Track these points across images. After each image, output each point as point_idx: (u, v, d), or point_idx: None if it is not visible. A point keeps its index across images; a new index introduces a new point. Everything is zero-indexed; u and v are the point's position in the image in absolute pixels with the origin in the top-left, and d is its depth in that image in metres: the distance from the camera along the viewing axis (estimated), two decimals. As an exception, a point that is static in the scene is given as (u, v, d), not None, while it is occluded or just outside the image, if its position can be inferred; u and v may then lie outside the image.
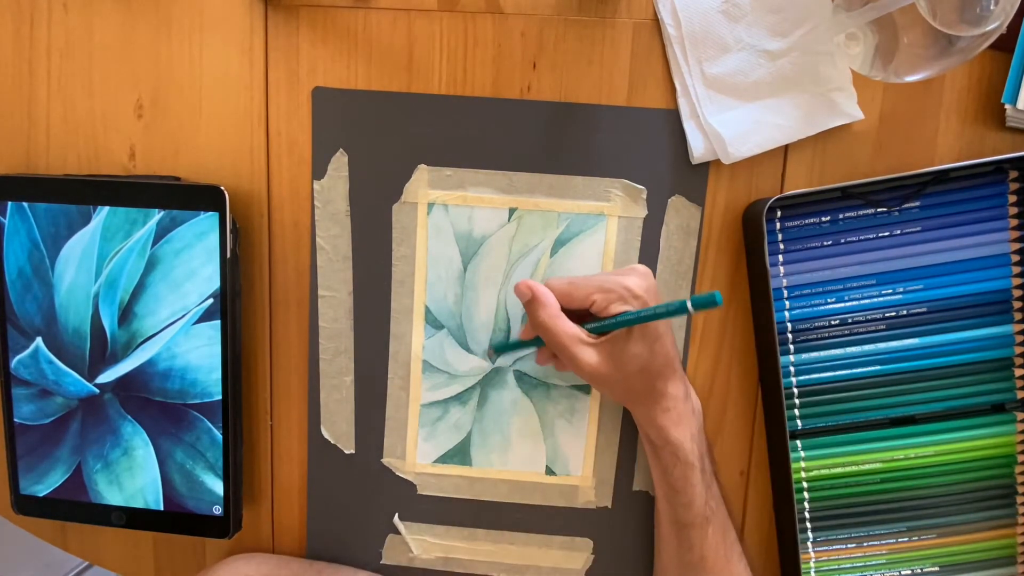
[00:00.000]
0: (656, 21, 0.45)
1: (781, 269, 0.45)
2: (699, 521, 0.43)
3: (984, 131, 0.45)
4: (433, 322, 0.48)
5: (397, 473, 0.50)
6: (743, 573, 0.44)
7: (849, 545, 0.47)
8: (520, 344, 0.47)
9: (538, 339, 0.45)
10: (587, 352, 0.42)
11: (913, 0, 0.36)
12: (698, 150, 0.45)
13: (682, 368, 0.45)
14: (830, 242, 0.45)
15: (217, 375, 0.46)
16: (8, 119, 0.48)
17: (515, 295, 0.44)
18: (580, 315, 0.43)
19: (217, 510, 0.47)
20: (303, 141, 0.47)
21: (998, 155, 0.43)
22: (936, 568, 0.47)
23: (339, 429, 0.50)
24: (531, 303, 0.43)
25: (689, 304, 0.37)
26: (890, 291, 0.45)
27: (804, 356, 0.46)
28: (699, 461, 0.43)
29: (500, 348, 0.48)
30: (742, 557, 0.45)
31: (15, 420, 0.48)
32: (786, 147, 0.45)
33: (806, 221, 0.45)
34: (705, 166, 0.46)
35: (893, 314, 0.45)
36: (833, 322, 0.45)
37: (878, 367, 0.46)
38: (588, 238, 0.47)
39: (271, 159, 0.48)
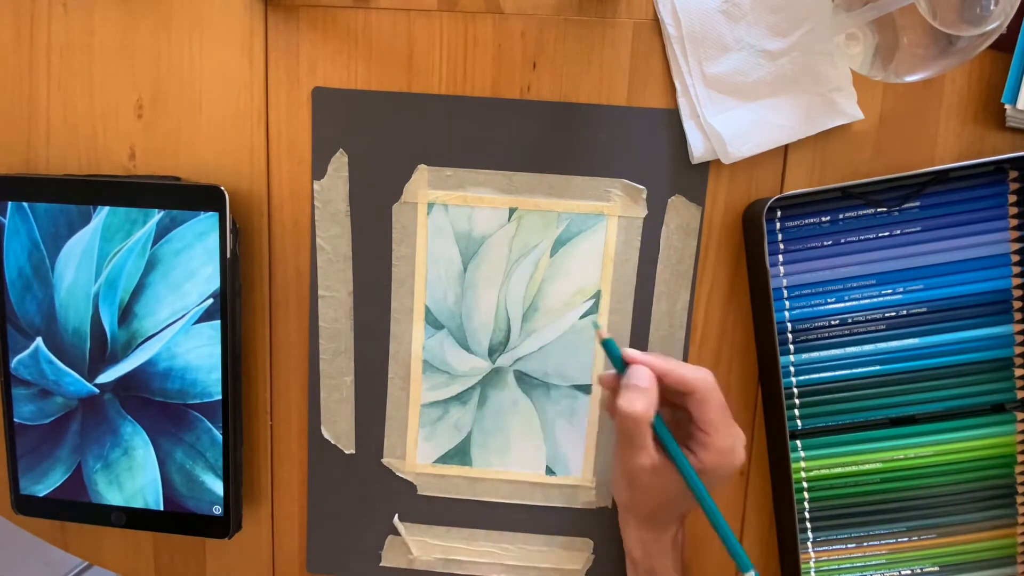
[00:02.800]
0: (656, 21, 0.45)
1: (781, 269, 0.45)
2: None
3: (984, 131, 0.45)
4: (433, 322, 0.48)
5: (397, 473, 0.50)
6: None
7: (849, 545, 0.47)
8: (615, 359, 0.42)
9: (620, 368, 0.41)
10: (647, 457, 0.39)
11: (913, 0, 0.36)
12: (698, 150, 0.45)
13: None
14: (830, 242, 0.45)
15: (217, 375, 0.46)
16: (8, 119, 0.48)
17: (629, 368, 0.40)
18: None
19: (217, 510, 0.47)
20: (303, 141, 0.47)
21: (998, 155, 0.42)
22: (936, 568, 0.47)
23: (339, 429, 0.50)
24: (628, 387, 0.39)
25: (752, 572, 0.38)
26: (890, 291, 0.45)
27: (804, 356, 0.46)
28: None
29: (607, 344, 0.42)
30: None
31: (15, 420, 0.48)
32: (786, 147, 0.45)
33: (806, 221, 0.45)
34: (705, 166, 0.46)
35: (893, 314, 0.45)
36: (833, 322, 0.45)
37: (878, 367, 0.46)
38: (588, 238, 0.47)
39: (271, 159, 0.48)
